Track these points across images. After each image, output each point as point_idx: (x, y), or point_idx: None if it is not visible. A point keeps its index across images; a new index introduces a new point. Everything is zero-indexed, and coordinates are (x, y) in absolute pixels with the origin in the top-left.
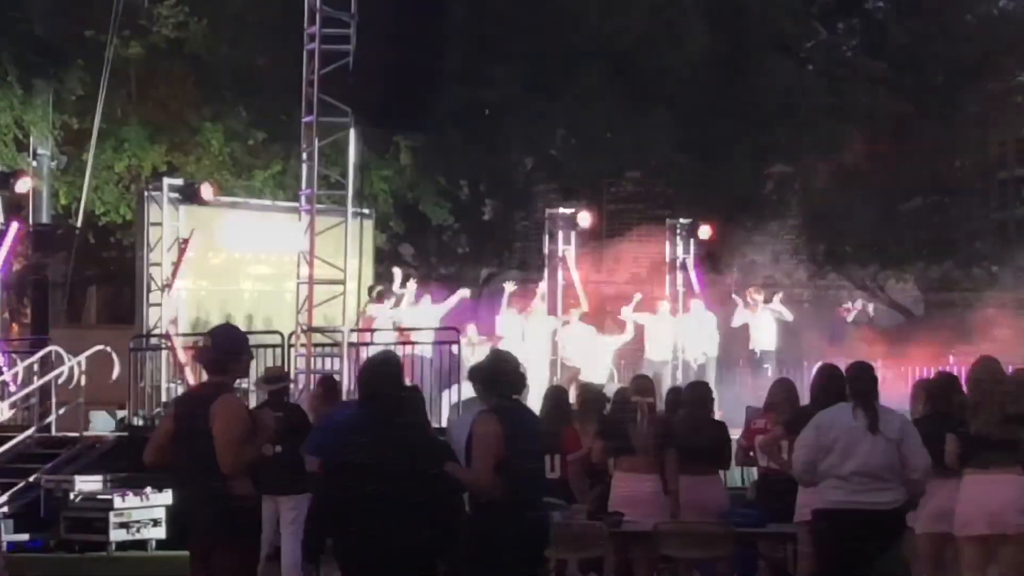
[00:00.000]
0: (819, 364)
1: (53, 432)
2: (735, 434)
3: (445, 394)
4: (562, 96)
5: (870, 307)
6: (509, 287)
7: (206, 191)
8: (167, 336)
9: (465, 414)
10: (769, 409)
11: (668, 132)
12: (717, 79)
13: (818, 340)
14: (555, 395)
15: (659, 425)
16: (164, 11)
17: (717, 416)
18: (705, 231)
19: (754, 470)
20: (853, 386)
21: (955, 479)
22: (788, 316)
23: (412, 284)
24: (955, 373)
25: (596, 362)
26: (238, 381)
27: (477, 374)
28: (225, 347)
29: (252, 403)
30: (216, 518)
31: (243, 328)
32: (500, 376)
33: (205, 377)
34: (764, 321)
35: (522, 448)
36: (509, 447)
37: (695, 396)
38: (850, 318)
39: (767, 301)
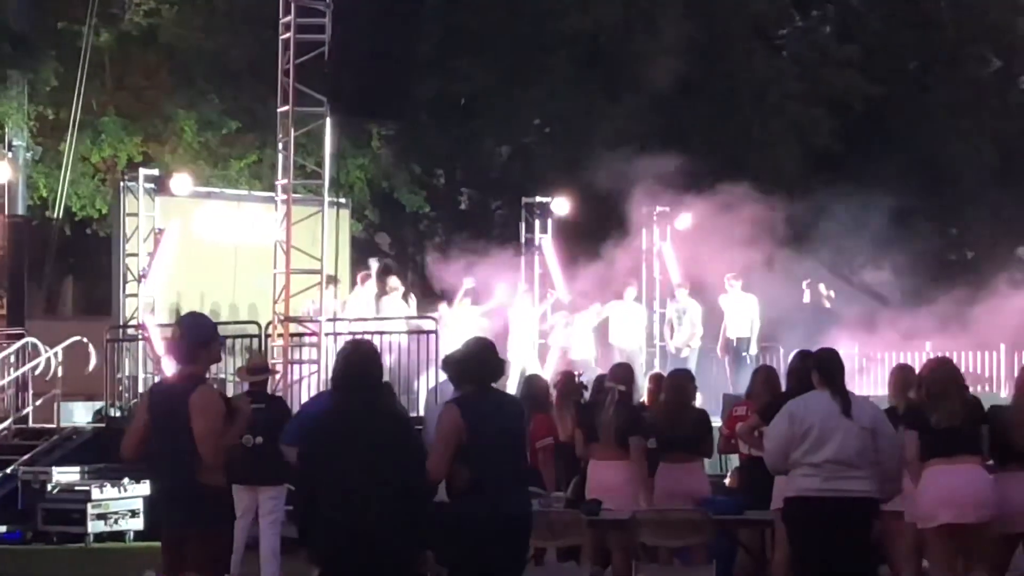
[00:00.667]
0: (795, 351)
1: (30, 423)
2: (716, 422)
3: (422, 379)
4: (536, 84)
5: (822, 287)
6: (468, 283)
7: (182, 183)
8: (143, 327)
9: (441, 400)
10: (750, 397)
11: (641, 119)
12: (691, 65)
13: (797, 326)
14: (528, 383)
15: (625, 412)
16: None
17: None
18: (685, 220)
19: (735, 457)
20: (822, 372)
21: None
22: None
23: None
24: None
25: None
26: (216, 370)
27: (448, 364)
28: (195, 336)
29: (230, 392)
30: (189, 509)
31: (220, 319)
32: (469, 365)
33: (176, 368)
34: (741, 307)
35: (487, 435)
36: (472, 436)
37: (675, 383)
38: (805, 298)
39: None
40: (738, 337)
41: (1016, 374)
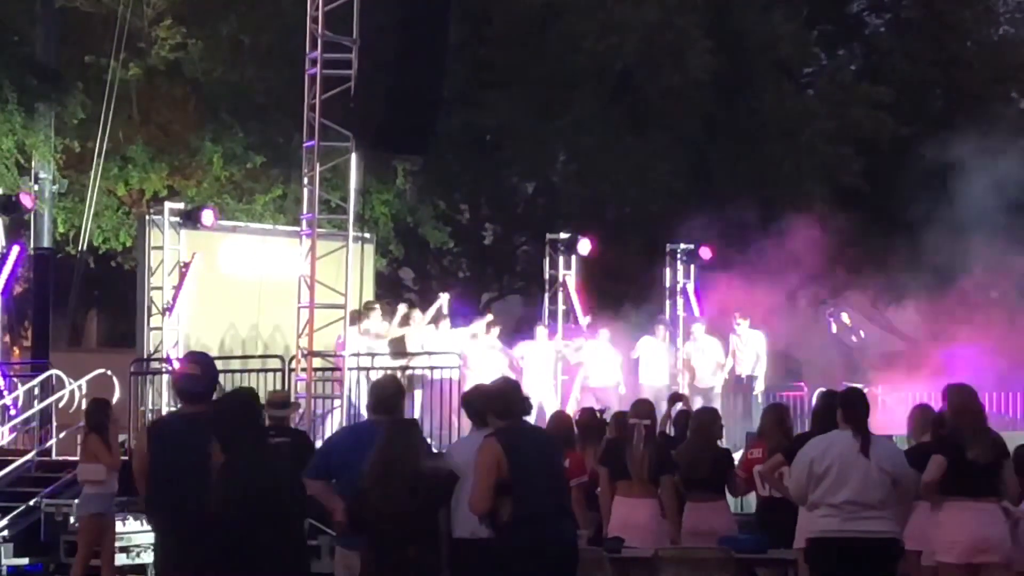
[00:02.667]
0: (819, 390)
1: (53, 456)
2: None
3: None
4: (561, 119)
5: (845, 316)
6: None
7: (207, 217)
8: (168, 360)
9: (466, 437)
10: (761, 436)
11: (667, 156)
12: (717, 103)
13: (821, 365)
14: (558, 419)
15: (656, 449)
16: (162, 33)
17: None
18: (705, 252)
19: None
20: (845, 411)
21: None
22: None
23: (417, 313)
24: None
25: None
26: None
27: (472, 402)
28: (213, 375)
29: None
30: (210, 548)
31: (244, 352)
32: (498, 402)
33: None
34: (748, 345)
35: (527, 467)
36: (513, 467)
37: (700, 422)
38: (833, 328)
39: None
40: (747, 375)
41: None
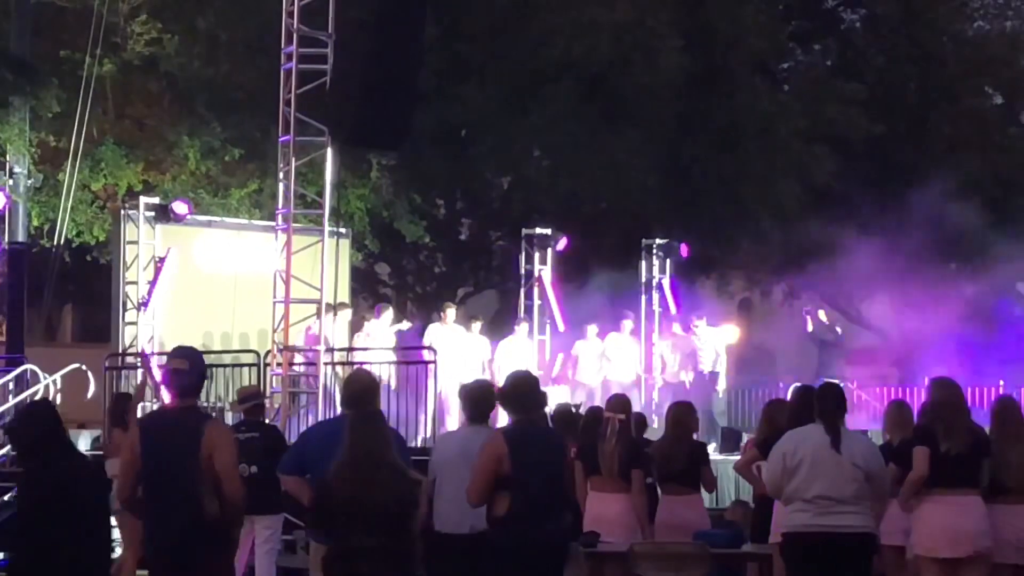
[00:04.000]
0: (794, 385)
1: None
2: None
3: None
4: (534, 114)
5: (822, 314)
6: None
7: (180, 207)
8: (143, 355)
9: (455, 431)
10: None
11: (641, 153)
12: (691, 100)
13: (796, 361)
14: (564, 414)
15: (627, 444)
16: (137, 27)
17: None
18: (681, 250)
19: (733, 491)
20: (819, 406)
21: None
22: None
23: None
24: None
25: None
26: (214, 401)
27: (501, 396)
28: (201, 369)
29: (229, 422)
30: (197, 543)
31: (219, 347)
32: (514, 396)
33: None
34: (708, 344)
35: (528, 464)
36: (515, 466)
37: (677, 416)
38: (808, 327)
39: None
40: (709, 372)
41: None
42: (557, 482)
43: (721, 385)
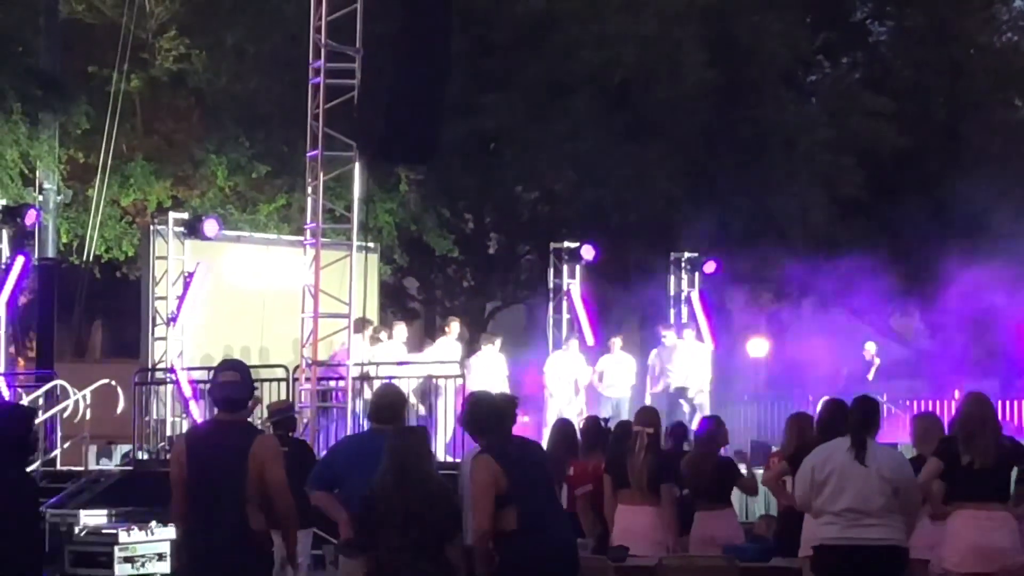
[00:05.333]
0: (824, 398)
1: (58, 466)
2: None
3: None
4: (560, 125)
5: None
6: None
7: (210, 228)
8: (172, 370)
9: (474, 448)
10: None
11: (666, 165)
12: (716, 112)
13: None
14: (562, 428)
15: (656, 458)
16: (165, 44)
17: None
18: (709, 266)
19: (762, 504)
20: (850, 419)
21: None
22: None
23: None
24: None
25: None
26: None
27: (465, 416)
28: (249, 383)
29: None
30: (242, 557)
31: (249, 362)
32: (488, 417)
33: (219, 413)
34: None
35: (524, 478)
36: (511, 480)
37: (706, 432)
38: (871, 373)
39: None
40: (677, 387)
41: None
42: (550, 488)
43: (700, 399)
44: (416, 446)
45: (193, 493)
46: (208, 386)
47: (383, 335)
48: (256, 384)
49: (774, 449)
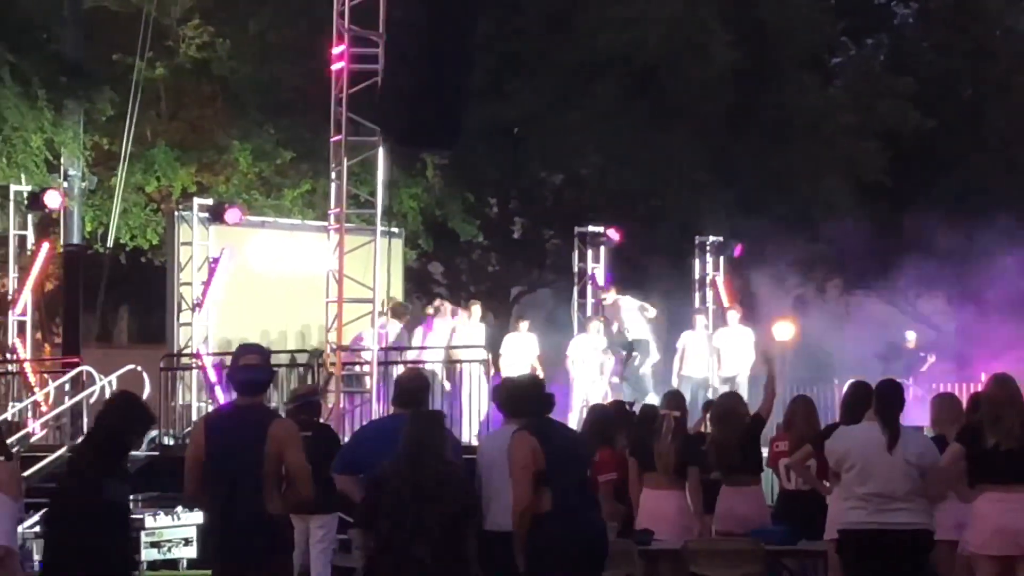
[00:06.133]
0: (849, 381)
1: None
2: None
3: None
4: (584, 110)
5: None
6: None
7: (232, 216)
8: (198, 355)
9: (498, 429)
10: (788, 427)
11: (691, 149)
12: (741, 95)
13: (851, 358)
14: (593, 413)
15: (683, 441)
16: (189, 31)
17: None
18: (735, 249)
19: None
20: (877, 404)
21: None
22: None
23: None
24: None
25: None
26: (266, 401)
27: (502, 398)
28: (269, 366)
29: None
30: (259, 540)
31: (273, 347)
32: (525, 399)
33: (238, 396)
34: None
35: (561, 458)
36: (549, 458)
37: (724, 407)
38: (924, 367)
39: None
40: (726, 376)
41: None
42: (584, 474)
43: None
44: (430, 429)
45: (212, 477)
46: (228, 369)
47: (461, 315)
48: (280, 369)
49: (779, 444)
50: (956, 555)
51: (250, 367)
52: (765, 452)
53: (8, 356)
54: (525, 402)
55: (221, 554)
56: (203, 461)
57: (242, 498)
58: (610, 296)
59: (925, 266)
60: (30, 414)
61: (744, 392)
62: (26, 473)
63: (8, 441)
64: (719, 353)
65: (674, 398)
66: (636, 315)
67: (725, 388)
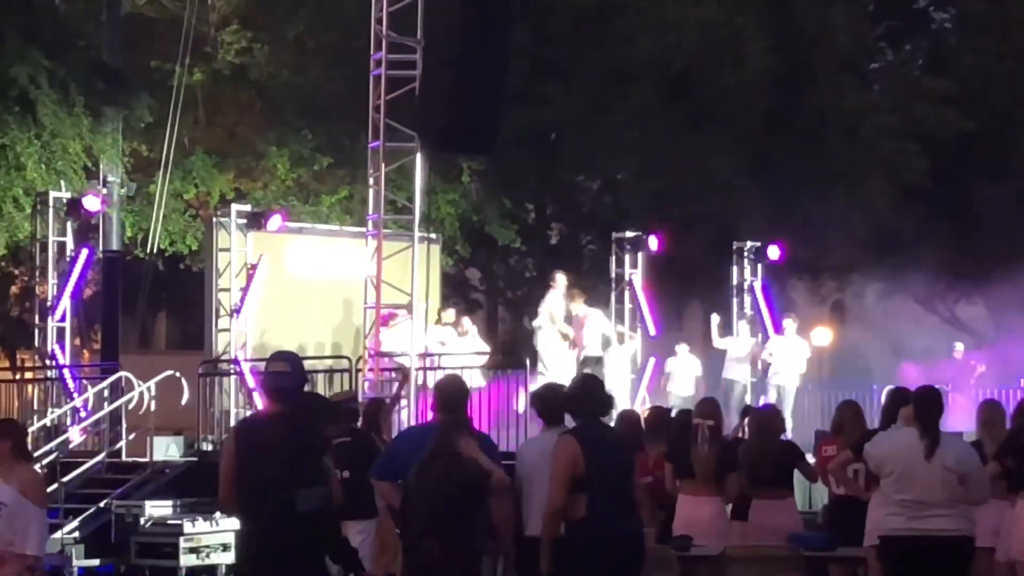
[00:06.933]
0: (888, 387)
1: (123, 457)
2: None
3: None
4: (620, 114)
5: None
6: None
7: (274, 222)
8: (236, 361)
9: (538, 436)
10: (837, 432)
11: (727, 153)
12: (777, 99)
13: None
14: (627, 418)
15: (720, 448)
16: (227, 37)
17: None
18: (773, 253)
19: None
20: (916, 410)
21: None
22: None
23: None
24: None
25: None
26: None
27: (544, 401)
28: (301, 374)
29: None
30: (294, 547)
31: (311, 353)
32: (581, 399)
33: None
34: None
35: (603, 465)
36: (589, 465)
37: (760, 420)
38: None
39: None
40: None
41: None
42: (629, 481)
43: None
44: (452, 432)
45: (244, 484)
46: (260, 377)
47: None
48: (318, 374)
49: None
50: (995, 562)
51: (279, 374)
52: (811, 459)
53: (47, 362)
54: (579, 404)
55: (252, 562)
56: (236, 469)
57: (272, 504)
58: (579, 308)
59: (964, 271)
60: (69, 420)
61: (789, 402)
62: (65, 479)
63: (48, 447)
64: (768, 359)
65: (708, 406)
66: (597, 333)
67: (772, 395)
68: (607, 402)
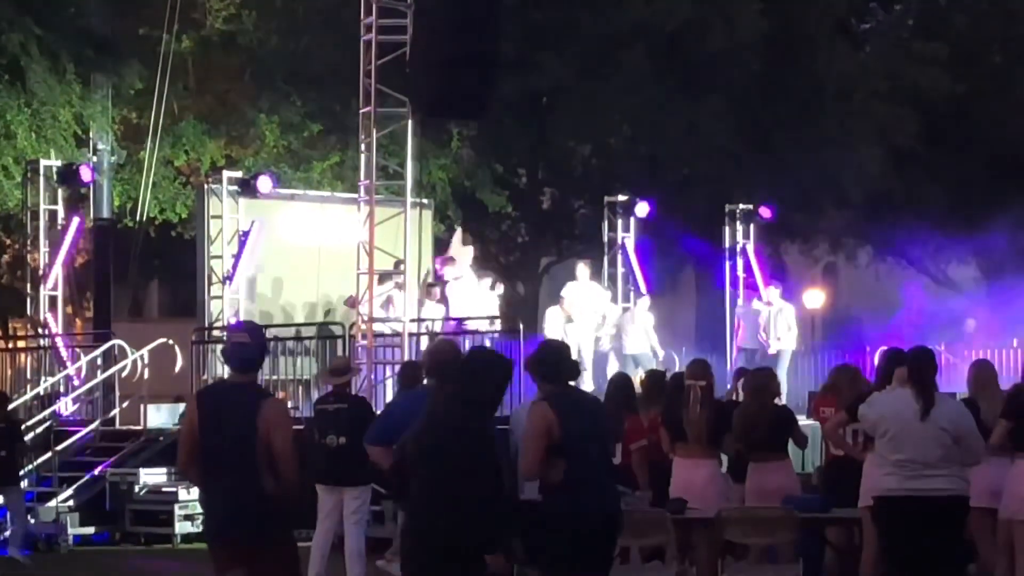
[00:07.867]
0: (881, 348)
1: (117, 426)
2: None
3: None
4: (613, 79)
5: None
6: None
7: (264, 184)
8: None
9: (527, 402)
10: (831, 392)
11: (720, 117)
12: (770, 63)
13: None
14: (619, 382)
15: (713, 410)
16: (215, 3)
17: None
18: (765, 213)
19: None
20: (911, 371)
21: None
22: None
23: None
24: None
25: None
26: (297, 372)
27: (532, 364)
28: (262, 344)
29: (313, 395)
30: (256, 517)
31: (304, 320)
32: (548, 365)
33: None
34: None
35: (579, 431)
36: (564, 431)
37: (755, 382)
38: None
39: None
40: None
41: None
42: (605, 449)
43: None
44: (449, 399)
45: (206, 454)
46: (221, 346)
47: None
48: (311, 341)
49: (821, 412)
50: (996, 521)
51: (239, 345)
52: (805, 421)
53: (40, 331)
54: (550, 368)
55: (211, 530)
56: (197, 436)
57: (236, 476)
58: (450, 271)
59: (956, 233)
60: (62, 388)
61: (784, 366)
62: (59, 447)
63: (41, 416)
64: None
65: (699, 367)
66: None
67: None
68: (574, 368)
